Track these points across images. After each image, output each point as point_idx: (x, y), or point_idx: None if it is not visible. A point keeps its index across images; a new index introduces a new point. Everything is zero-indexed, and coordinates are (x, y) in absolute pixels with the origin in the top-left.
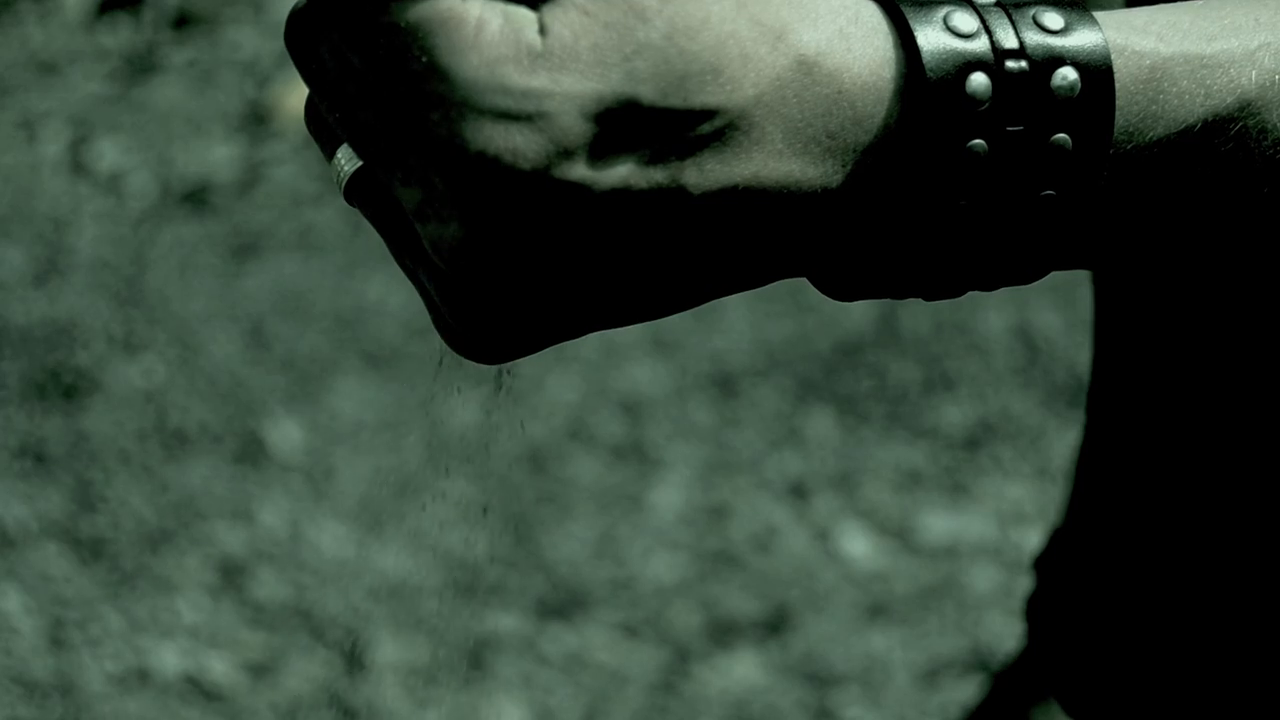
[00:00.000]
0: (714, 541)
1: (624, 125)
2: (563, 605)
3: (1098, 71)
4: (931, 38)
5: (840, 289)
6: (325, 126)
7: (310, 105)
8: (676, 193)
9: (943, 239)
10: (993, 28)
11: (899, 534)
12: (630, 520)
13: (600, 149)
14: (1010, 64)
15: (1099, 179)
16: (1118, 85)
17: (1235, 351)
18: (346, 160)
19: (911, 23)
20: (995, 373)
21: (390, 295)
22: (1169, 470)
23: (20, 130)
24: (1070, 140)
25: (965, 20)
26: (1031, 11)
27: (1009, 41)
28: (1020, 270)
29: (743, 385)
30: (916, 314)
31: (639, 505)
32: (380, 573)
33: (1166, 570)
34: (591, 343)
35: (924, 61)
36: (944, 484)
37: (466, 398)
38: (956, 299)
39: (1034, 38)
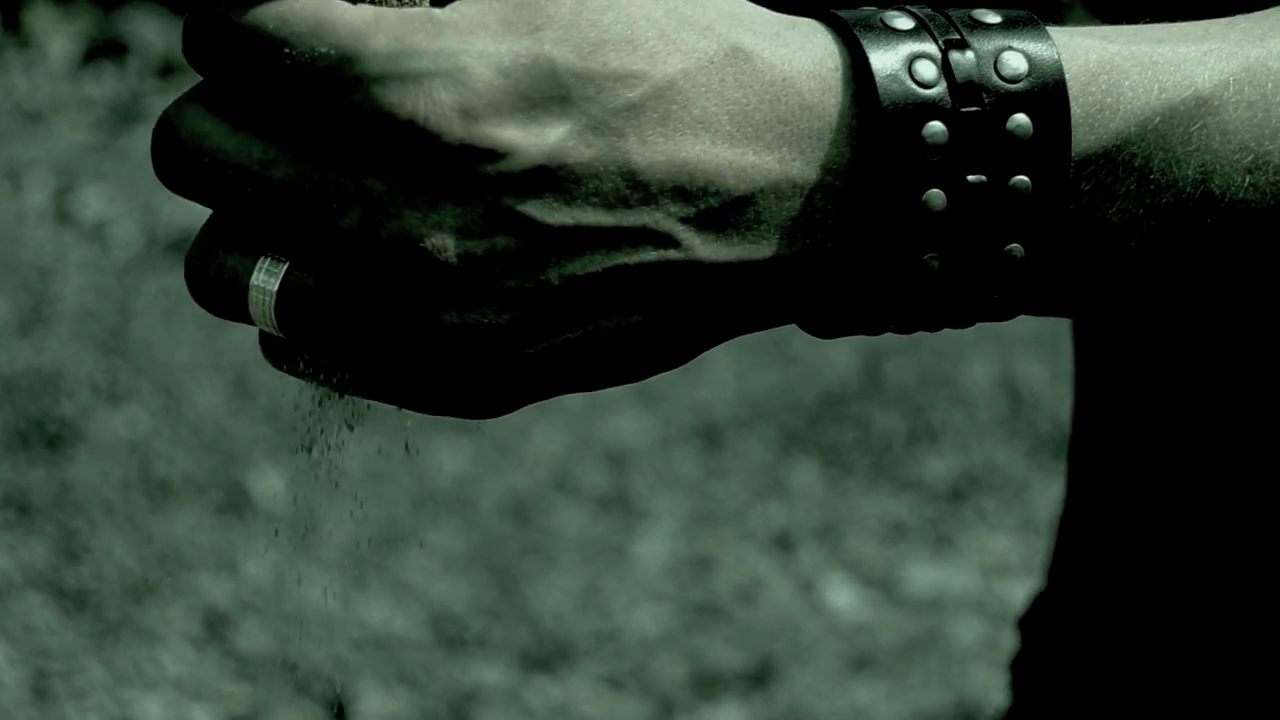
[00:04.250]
0: (698, 593)
1: (546, 87)
2: (547, 657)
3: (1041, 53)
4: (859, 18)
5: (822, 321)
6: (227, 288)
7: (210, 286)
8: (623, 166)
9: (915, 224)
10: (932, 25)
11: (883, 586)
12: (615, 571)
13: (527, 110)
14: (955, 55)
15: (1066, 168)
16: (1067, 75)
17: (1220, 407)
18: (264, 277)
19: (845, 18)
20: (979, 424)
21: None
22: (1152, 527)
23: (5, 179)
24: (1030, 124)
25: (902, 19)
26: (971, 11)
27: (952, 34)
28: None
29: (727, 436)
30: (901, 365)
31: (624, 556)
32: (364, 624)
33: (1151, 629)
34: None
35: (864, 48)
36: (928, 536)
37: (452, 446)
38: (942, 350)
39: (974, 35)
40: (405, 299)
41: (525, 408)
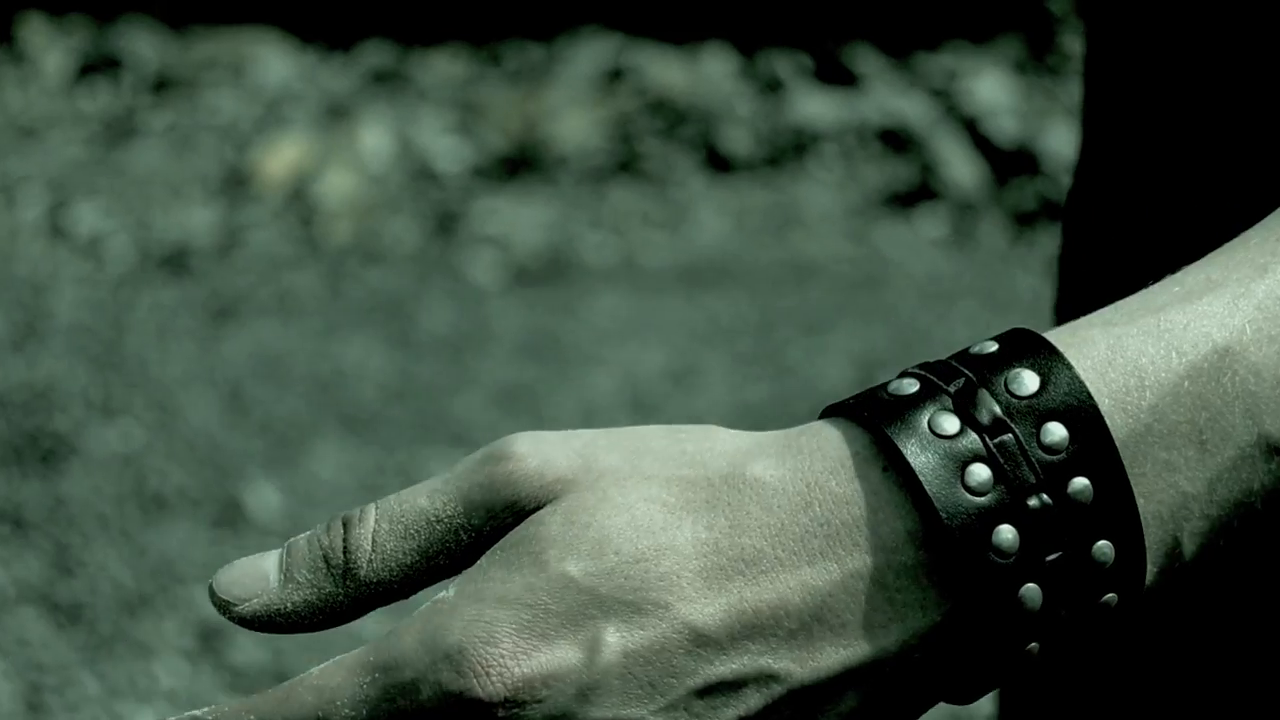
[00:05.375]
0: None
1: (573, 599)
2: None
3: (1048, 364)
4: (865, 398)
5: (960, 689)
6: None
7: None
8: (682, 632)
9: (989, 569)
10: (937, 379)
11: None
12: None
13: (569, 626)
14: (968, 400)
15: (1114, 456)
16: (1079, 370)
17: None
18: None
19: (849, 402)
20: None
21: (369, 359)
22: None
23: None
24: (1064, 430)
25: (906, 384)
26: (969, 348)
27: (957, 382)
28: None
29: None
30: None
31: None
32: (357, 637)
33: (1135, 639)
34: (569, 405)
35: (879, 425)
36: None
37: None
38: None
39: (979, 374)
40: None
41: (516, 416)
